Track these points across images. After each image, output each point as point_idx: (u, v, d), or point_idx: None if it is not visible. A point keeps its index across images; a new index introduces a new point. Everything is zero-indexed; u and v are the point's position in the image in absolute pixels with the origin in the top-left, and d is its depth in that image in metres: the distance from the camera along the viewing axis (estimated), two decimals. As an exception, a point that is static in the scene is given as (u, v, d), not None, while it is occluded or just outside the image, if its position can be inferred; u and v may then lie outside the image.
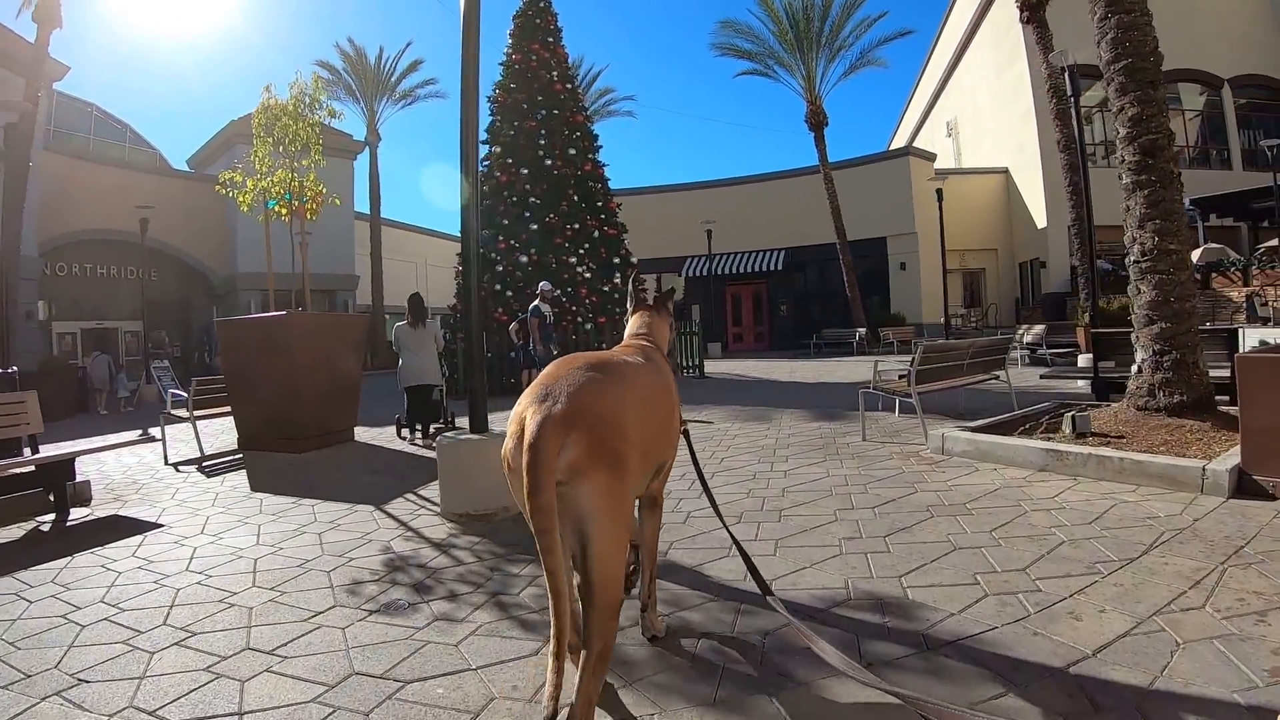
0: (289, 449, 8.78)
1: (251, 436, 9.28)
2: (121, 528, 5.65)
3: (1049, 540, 4.05)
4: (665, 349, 3.19)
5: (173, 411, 9.53)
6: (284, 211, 10.17)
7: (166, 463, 8.77)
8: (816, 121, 29.00)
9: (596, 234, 18.40)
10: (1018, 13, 24.61)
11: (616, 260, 18.62)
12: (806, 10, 28.88)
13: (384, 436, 10.11)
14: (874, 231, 31.06)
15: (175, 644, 3.31)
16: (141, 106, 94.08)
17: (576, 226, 18.01)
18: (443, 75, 37.60)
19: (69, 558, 4.85)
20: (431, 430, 9.63)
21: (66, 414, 17.07)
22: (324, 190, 10.44)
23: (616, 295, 17.94)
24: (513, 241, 17.46)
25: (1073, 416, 6.31)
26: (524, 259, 17.31)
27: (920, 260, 30.80)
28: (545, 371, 2.38)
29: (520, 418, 2.16)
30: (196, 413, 9.12)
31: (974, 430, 6.65)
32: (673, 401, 2.81)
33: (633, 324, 3.25)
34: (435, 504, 5.64)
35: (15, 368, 14.63)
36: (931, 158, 33.18)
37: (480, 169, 18.79)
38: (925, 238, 30.48)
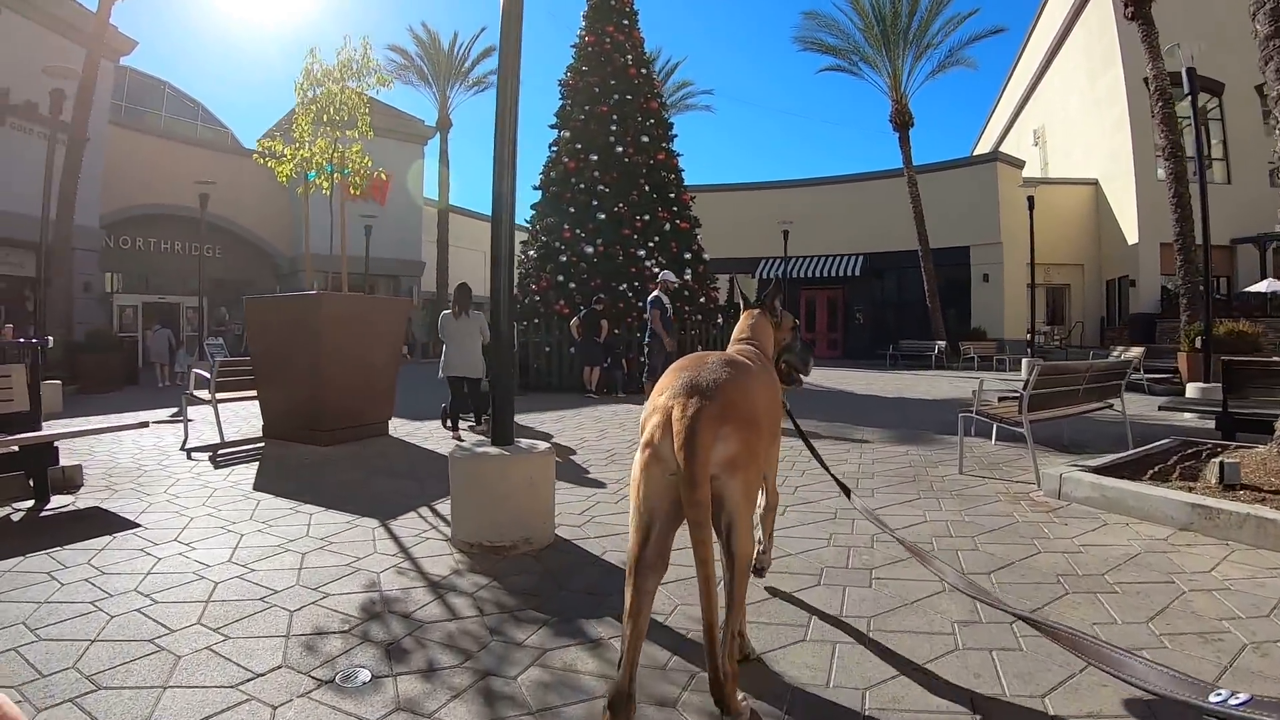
0: (313, 441, 8.04)
1: (275, 424, 8.59)
2: (94, 524, 4.93)
3: (1225, 642, 2.99)
4: (770, 349, 3.26)
5: (195, 393, 8.86)
6: (325, 185, 9.39)
7: (183, 447, 8.12)
8: (902, 121, 27.57)
9: (668, 227, 17.24)
10: (1119, 9, 23.21)
11: (688, 256, 17.41)
12: (894, 4, 27.42)
13: (423, 431, 9.33)
14: (957, 240, 29.49)
15: (69, 700, 2.55)
16: (217, 88, 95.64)
17: (647, 218, 16.92)
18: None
19: (20, 558, 4.15)
20: (484, 421, 9.34)
21: (113, 386, 16.75)
22: (369, 162, 9.63)
23: (686, 293, 16.78)
24: (579, 231, 16.52)
25: (1221, 464, 5.17)
26: (590, 250, 16.34)
27: (1004, 272, 29.19)
28: (679, 365, 2.47)
29: (665, 409, 2.23)
30: (219, 396, 8.44)
31: (1096, 471, 5.52)
32: (779, 403, 2.87)
33: (738, 327, 3.29)
34: (449, 524, 4.76)
35: (50, 338, 14.38)
36: (1020, 164, 31.42)
37: (548, 154, 18.22)
38: (1011, 248, 28.81)
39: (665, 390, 2.30)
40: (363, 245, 28.42)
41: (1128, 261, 27.76)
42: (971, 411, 6.72)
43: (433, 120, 34.25)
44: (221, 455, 7.69)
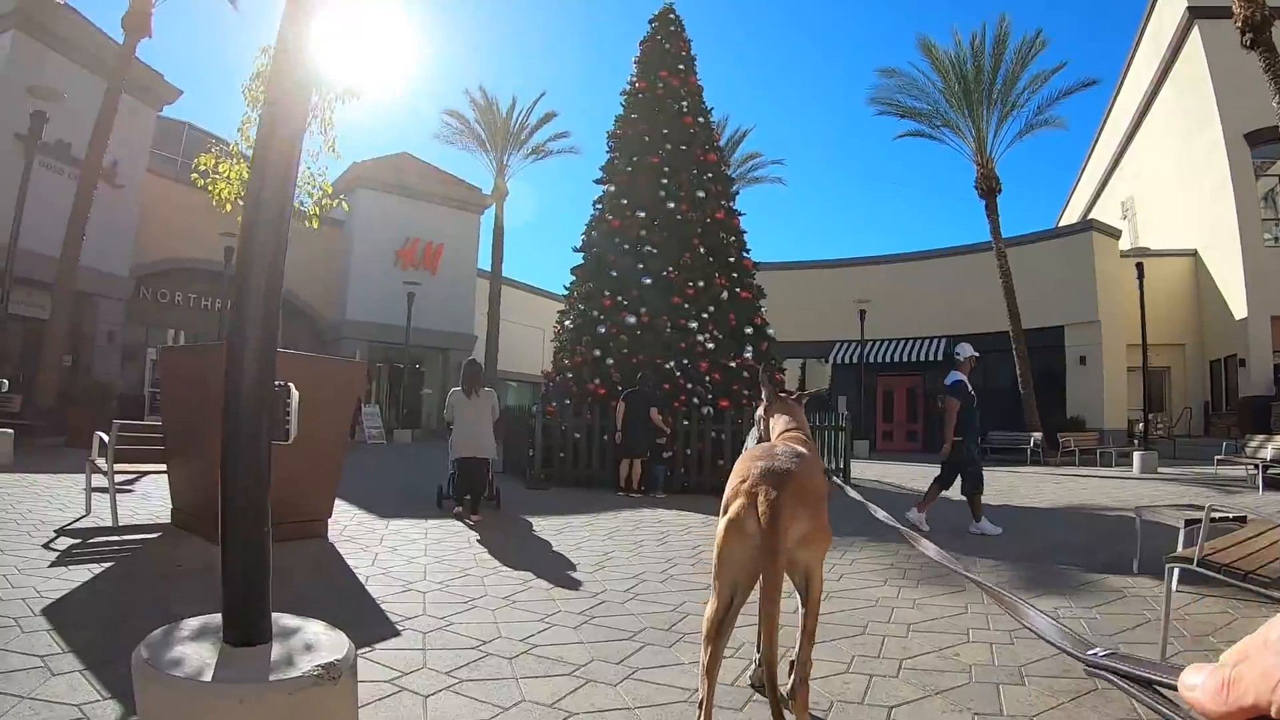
0: (215, 538, 5.97)
1: (182, 510, 6.62)
2: None
3: None
4: (807, 431, 3.45)
5: (96, 460, 7.01)
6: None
7: (62, 527, 6.39)
8: (988, 187, 25.03)
9: (725, 295, 14.69)
10: (1217, 59, 21.19)
11: (749, 330, 14.75)
12: (976, 59, 25.21)
13: (380, 532, 7.16)
14: (1049, 319, 26.61)
15: None
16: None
17: (701, 285, 14.41)
18: (577, 129, 35.79)
19: None
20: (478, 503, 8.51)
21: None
22: (328, 187, 7.89)
23: (745, 374, 14.08)
24: (620, 298, 14.22)
25: None
26: (632, 320, 13.94)
27: (1103, 354, 26.34)
28: (753, 455, 2.86)
29: (750, 493, 2.58)
30: (118, 467, 6.59)
31: None
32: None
33: (783, 419, 3.45)
34: None
35: (4, 381, 13.13)
36: (1116, 234, 28.65)
37: (592, 212, 16.26)
38: (1109, 328, 26.07)
39: (746, 477, 2.65)
40: (405, 314, 27.06)
41: (1234, 339, 24.84)
42: (1191, 561, 4.00)
43: (489, 188, 33.03)
44: (86, 546, 5.78)
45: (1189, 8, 25.76)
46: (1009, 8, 45.23)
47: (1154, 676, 0.71)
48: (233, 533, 2.21)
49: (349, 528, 7.25)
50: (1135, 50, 32.63)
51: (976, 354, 9.02)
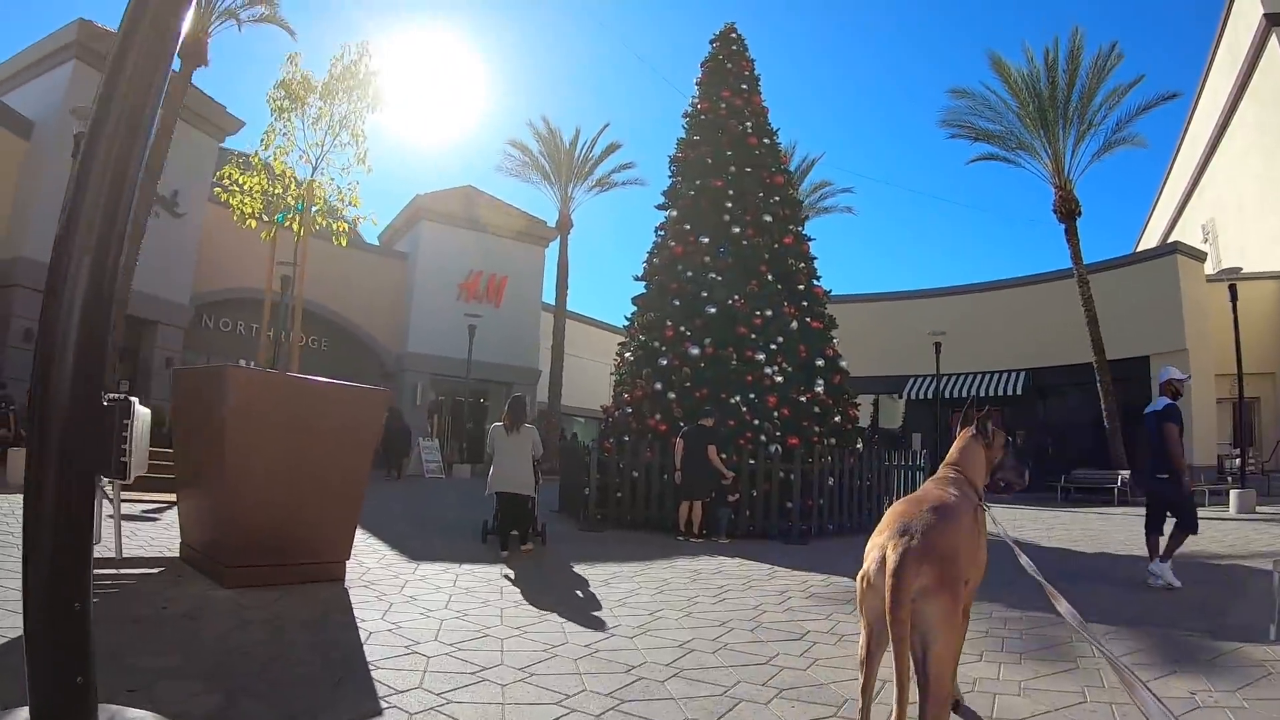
0: (217, 576, 5.46)
1: (189, 545, 6.11)
2: None
3: None
4: (977, 471, 3.54)
5: (105, 487, 6.61)
6: (297, 227, 7.08)
7: None
8: (1068, 211, 23.75)
9: (795, 325, 13.71)
10: None
11: (820, 363, 13.72)
12: (1051, 76, 23.88)
13: (402, 577, 6.50)
14: (1133, 349, 24.99)
15: None
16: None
17: (768, 314, 13.44)
18: (643, 160, 35.28)
19: None
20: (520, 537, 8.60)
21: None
22: (358, 201, 7.39)
23: (816, 410, 13.10)
24: (683, 328, 13.42)
25: None
26: (695, 352, 13.10)
27: (1192, 385, 24.62)
28: (897, 511, 2.89)
29: (882, 547, 2.65)
30: (128, 496, 6.40)
31: None
32: (980, 530, 3.18)
33: (950, 450, 3.63)
34: None
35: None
36: (1202, 257, 27.10)
37: (654, 238, 15.62)
38: (1198, 357, 24.37)
39: (884, 530, 2.72)
40: (466, 345, 26.78)
41: (1326, 367, 23.32)
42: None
43: (553, 220, 32.84)
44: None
45: (1265, 15, 24.75)
46: (1078, 20, 44.08)
47: None
48: (38, 603, 1.56)
49: (372, 570, 6.64)
50: (1211, 63, 31.64)
51: (1184, 376, 8.01)
